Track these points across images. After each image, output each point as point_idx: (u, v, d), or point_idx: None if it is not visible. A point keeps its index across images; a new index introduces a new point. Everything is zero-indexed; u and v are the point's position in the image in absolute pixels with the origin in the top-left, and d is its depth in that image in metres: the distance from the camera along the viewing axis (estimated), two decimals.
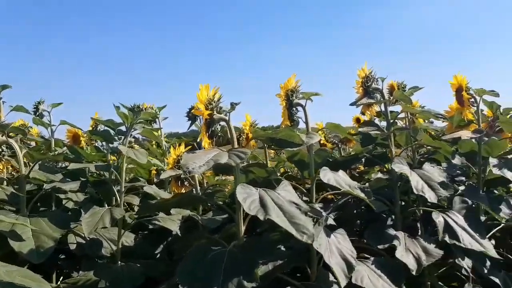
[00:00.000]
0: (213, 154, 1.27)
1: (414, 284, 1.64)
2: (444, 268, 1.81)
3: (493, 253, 1.57)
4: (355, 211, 2.11)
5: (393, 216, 1.84)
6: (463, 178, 2.11)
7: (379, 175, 2.19)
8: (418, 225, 1.92)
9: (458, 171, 2.18)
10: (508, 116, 2.14)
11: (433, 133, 2.56)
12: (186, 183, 1.97)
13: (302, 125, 1.61)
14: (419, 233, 1.86)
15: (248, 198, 1.23)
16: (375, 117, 2.11)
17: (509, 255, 1.96)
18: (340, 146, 2.67)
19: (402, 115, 2.08)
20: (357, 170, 2.62)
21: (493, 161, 1.77)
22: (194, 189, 1.97)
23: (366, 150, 2.10)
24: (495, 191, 2.03)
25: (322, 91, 1.57)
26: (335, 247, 1.36)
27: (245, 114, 2.03)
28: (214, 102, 1.36)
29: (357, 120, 2.89)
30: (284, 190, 1.33)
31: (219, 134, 1.39)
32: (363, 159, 2.07)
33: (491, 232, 1.88)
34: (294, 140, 1.41)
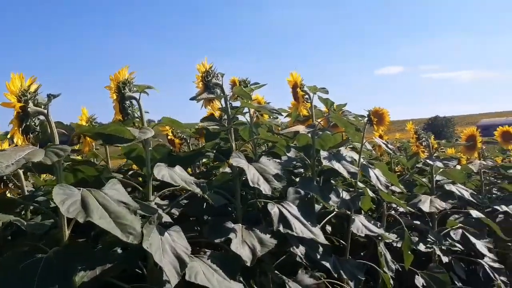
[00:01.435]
0: (26, 152, 1.14)
1: (253, 274, 1.69)
2: (284, 257, 1.91)
3: (322, 239, 1.69)
4: (204, 206, 2.11)
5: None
6: (302, 170, 2.25)
7: (227, 169, 2.23)
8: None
9: (298, 163, 2.32)
10: (340, 112, 2.34)
11: (279, 128, 2.68)
12: (11, 184, 1.76)
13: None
14: (262, 225, 1.94)
15: (67, 199, 1.12)
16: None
17: (342, 241, 2.15)
18: (189, 141, 2.64)
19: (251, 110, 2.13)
20: (211, 165, 2.63)
21: (323, 153, 1.90)
22: (21, 191, 1.76)
23: (213, 145, 2.11)
24: (332, 181, 2.21)
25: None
26: (168, 245, 1.32)
27: (82, 108, 1.88)
28: (30, 93, 1.22)
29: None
30: (112, 189, 1.25)
31: (37, 130, 1.25)
32: (210, 154, 2.08)
33: (325, 220, 2.04)
34: (124, 135, 1.34)
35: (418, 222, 2.57)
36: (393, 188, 2.30)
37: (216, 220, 1.74)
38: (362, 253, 2.31)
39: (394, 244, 2.44)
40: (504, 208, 2.96)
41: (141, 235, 1.18)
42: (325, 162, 1.85)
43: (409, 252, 2.18)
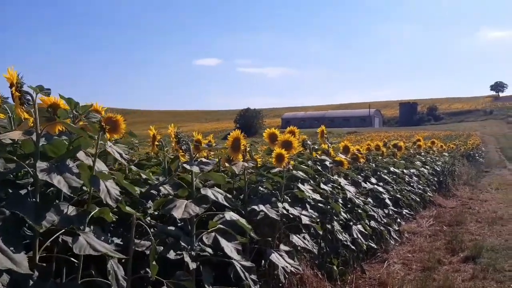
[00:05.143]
0: None
1: None
2: None
3: (23, 268, 1.45)
4: None
5: None
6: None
7: None
8: None
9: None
10: (84, 115, 2.12)
11: None
12: None
13: None
14: None
15: None
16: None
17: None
18: None
19: None
20: None
21: (41, 164, 1.65)
22: None
23: None
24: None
25: None
26: None
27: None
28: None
29: None
30: None
31: None
32: None
33: (51, 239, 1.80)
34: None
35: (173, 228, 2.53)
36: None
37: None
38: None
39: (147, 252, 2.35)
40: (261, 207, 3.15)
41: None
42: (41, 176, 1.61)
43: (154, 263, 2.10)
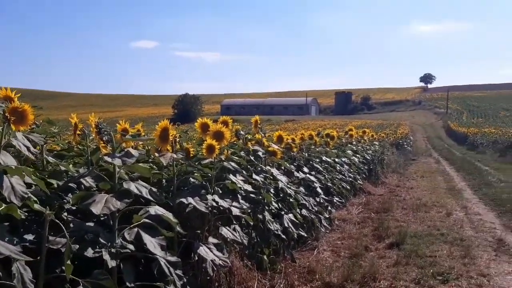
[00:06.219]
0: None
1: None
2: None
3: None
4: None
5: None
6: None
7: None
8: None
9: None
10: None
11: None
12: None
13: None
14: None
15: None
16: None
17: None
18: None
19: None
20: None
21: None
22: None
23: None
24: None
25: None
26: None
27: None
28: None
29: None
30: None
31: None
32: None
33: None
34: None
35: (91, 224, 2.39)
36: None
37: None
38: None
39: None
40: (190, 200, 3.08)
41: None
42: None
43: (69, 262, 1.97)
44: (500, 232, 6.42)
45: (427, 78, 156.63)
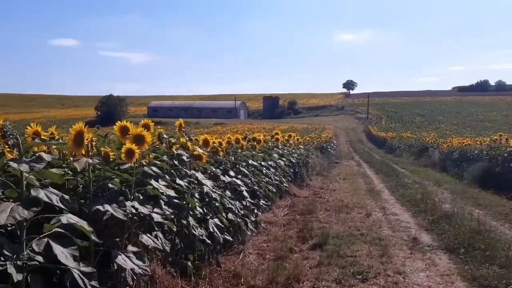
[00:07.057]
0: None
1: None
2: None
3: None
4: None
5: None
6: None
7: None
8: None
9: None
10: None
11: None
12: None
13: None
14: None
15: None
16: None
17: None
18: None
19: None
20: None
21: None
22: None
23: None
24: None
25: None
26: None
27: None
28: None
29: None
30: None
31: None
32: None
33: None
34: None
35: None
36: None
37: None
38: None
39: None
40: (107, 207, 2.93)
41: None
42: None
43: None
44: (415, 231, 6.84)
45: (349, 85, 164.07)
